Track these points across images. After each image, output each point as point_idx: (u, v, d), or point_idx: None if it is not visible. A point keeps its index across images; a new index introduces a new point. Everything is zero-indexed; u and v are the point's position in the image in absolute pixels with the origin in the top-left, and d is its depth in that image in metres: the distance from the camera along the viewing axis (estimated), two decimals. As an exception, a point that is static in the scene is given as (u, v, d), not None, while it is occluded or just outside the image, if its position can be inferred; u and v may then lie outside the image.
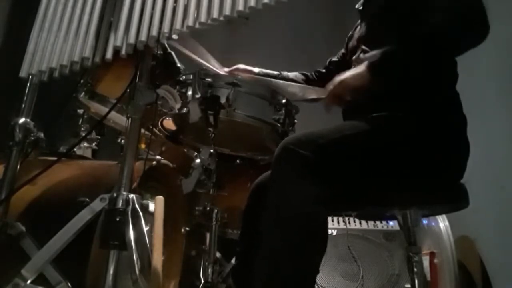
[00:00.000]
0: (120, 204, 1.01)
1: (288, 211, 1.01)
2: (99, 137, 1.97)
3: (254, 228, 1.21)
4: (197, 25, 0.95)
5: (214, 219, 1.79)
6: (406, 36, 1.13)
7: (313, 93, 1.37)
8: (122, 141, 1.82)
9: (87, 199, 1.12)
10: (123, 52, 0.98)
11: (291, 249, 0.98)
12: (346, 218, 2.12)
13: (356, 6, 1.46)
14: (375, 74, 1.13)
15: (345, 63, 1.45)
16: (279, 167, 1.07)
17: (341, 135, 1.11)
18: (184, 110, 1.35)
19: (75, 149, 1.81)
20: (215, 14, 0.93)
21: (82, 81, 1.50)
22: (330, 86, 1.20)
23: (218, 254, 1.92)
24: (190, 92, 1.36)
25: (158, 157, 1.73)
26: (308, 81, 1.63)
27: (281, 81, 1.43)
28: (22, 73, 1.11)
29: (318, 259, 1.03)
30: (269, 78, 1.48)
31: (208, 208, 1.80)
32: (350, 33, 1.48)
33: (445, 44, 1.13)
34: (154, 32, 0.97)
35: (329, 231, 1.85)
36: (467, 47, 1.14)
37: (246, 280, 1.22)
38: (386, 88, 1.19)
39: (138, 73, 1.13)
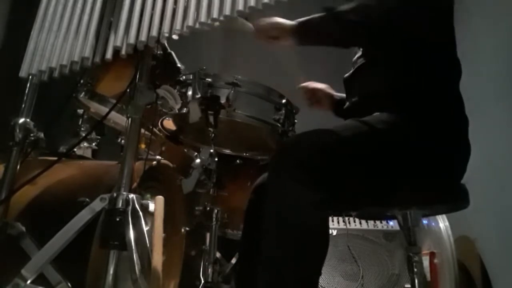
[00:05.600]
0: (120, 204, 1.00)
1: (287, 218, 0.99)
2: (99, 137, 1.97)
3: (255, 229, 1.20)
4: (197, 25, 0.95)
5: (214, 219, 1.79)
6: None
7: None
8: (122, 141, 1.82)
9: (87, 199, 1.12)
10: (123, 52, 0.98)
11: (292, 256, 0.97)
12: (346, 218, 2.12)
13: None
14: (333, 20, 1.15)
15: None
16: (276, 172, 1.05)
17: (340, 136, 1.09)
18: (184, 110, 1.35)
19: (75, 149, 1.81)
20: (215, 14, 0.93)
21: (82, 81, 1.50)
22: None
23: (218, 254, 1.92)
24: (190, 92, 1.36)
25: (158, 157, 1.73)
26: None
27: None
28: (22, 73, 1.11)
29: (320, 263, 1.02)
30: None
31: (208, 208, 1.81)
32: None
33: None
34: (154, 32, 0.96)
35: (329, 231, 1.85)
36: None
37: (249, 282, 1.22)
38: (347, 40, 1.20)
39: (138, 73, 1.13)
